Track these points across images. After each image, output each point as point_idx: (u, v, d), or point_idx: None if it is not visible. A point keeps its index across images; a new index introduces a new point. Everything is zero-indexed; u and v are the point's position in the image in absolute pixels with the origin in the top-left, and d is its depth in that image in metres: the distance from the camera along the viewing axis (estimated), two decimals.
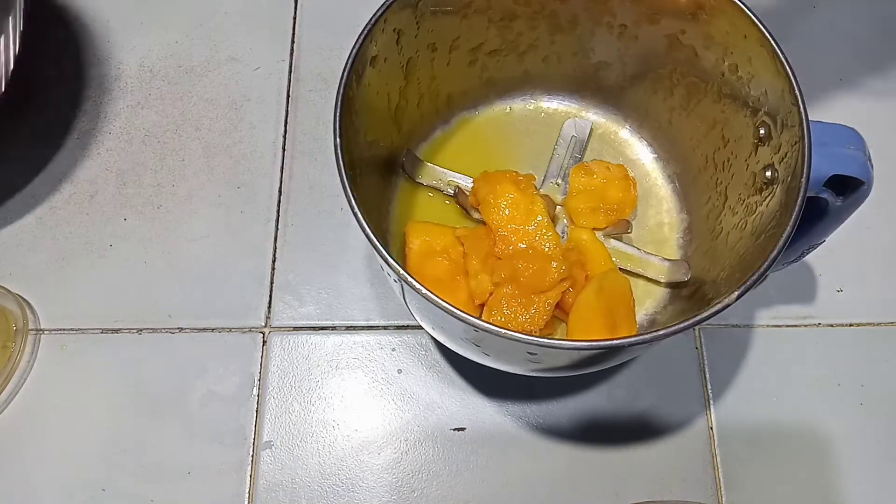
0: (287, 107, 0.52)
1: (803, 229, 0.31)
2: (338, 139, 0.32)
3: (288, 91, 0.52)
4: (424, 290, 0.29)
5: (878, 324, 0.46)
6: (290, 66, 0.53)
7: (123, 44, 0.54)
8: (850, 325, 0.46)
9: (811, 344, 0.45)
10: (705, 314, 0.29)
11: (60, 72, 0.53)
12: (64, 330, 0.45)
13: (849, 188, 0.33)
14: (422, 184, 0.44)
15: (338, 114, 0.32)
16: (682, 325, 0.29)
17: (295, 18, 0.55)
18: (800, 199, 0.31)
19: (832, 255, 0.47)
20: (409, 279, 0.29)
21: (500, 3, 0.40)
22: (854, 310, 0.46)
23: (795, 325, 0.46)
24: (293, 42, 0.54)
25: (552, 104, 0.46)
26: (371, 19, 0.34)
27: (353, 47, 0.34)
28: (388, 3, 0.34)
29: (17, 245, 0.48)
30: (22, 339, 0.44)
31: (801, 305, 0.46)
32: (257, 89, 0.53)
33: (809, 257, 0.47)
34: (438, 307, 0.29)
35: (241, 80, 0.53)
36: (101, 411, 0.44)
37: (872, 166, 0.32)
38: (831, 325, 0.46)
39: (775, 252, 0.30)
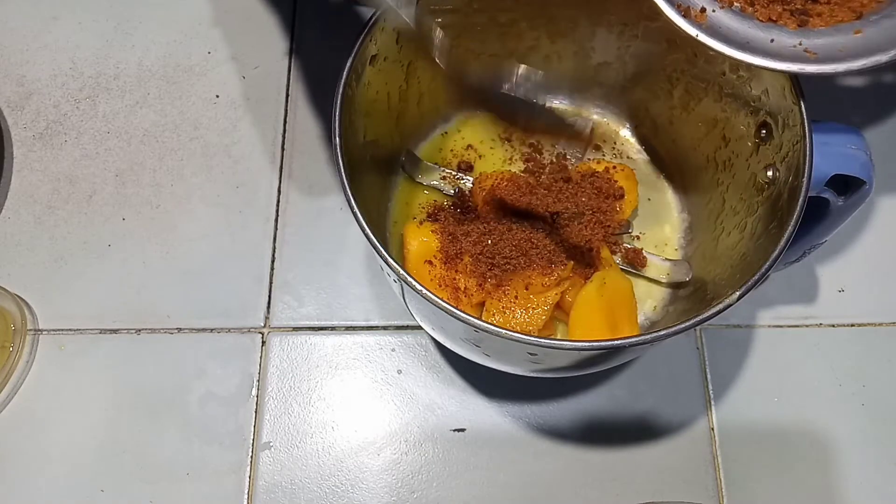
0: (286, 106, 0.52)
1: (805, 229, 0.31)
2: (337, 139, 0.32)
3: (287, 90, 0.52)
4: (425, 291, 0.29)
5: (880, 324, 0.46)
6: (290, 65, 0.53)
7: (122, 42, 0.54)
8: (852, 325, 0.46)
9: (812, 344, 0.45)
10: (707, 314, 0.29)
11: (59, 70, 0.53)
12: (62, 330, 0.45)
13: (850, 188, 0.33)
14: (421, 183, 0.43)
15: (337, 113, 0.32)
16: (683, 326, 0.29)
17: (294, 17, 0.55)
18: (801, 198, 0.31)
19: (834, 255, 0.47)
20: (410, 280, 0.29)
21: (500, 4, 0.39)
22: (855, 310, 0.46)
23: (797, 326, 0.46)
24: (292, 41, 0.54)
25: (553, 103, 0.46)
26: (371, 18, 0.34)
27: (353, 46, 0.34)
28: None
29: (15, 245, 0.48)
30: (20, 340, 0.44)
31: (803, 306, 0.46)
32: (257, 88, 0.52)
33: (811, 257, 0.46)
34: (440, 308, 0.29)
35: (241, 80, 0.53)
36: (99, 412, 0.43)
37: (874, 166, 0.32)
38: (832, 326, 0.46)
39: (777, 252, 0.30)
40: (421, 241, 0.40)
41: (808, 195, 0.31)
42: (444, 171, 0.43)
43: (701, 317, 0.29)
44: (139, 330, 0.45)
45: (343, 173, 0.31)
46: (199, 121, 0.51)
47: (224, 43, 0.54)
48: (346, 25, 0.54)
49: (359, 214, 0.31)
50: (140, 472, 0.42)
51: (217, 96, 0.52)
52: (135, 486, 0.42)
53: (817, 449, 0.43)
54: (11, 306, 0.45)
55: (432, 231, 0.41)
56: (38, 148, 0.51)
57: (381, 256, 0.30)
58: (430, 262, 0.40)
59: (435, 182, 0.43)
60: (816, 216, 0.35)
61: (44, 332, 0.45)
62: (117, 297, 0.46)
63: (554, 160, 0.44)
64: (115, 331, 0.45)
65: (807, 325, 0.46)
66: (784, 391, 0.44)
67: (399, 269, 0.29)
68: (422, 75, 0.41)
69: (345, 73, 0.33)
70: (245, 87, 0.53)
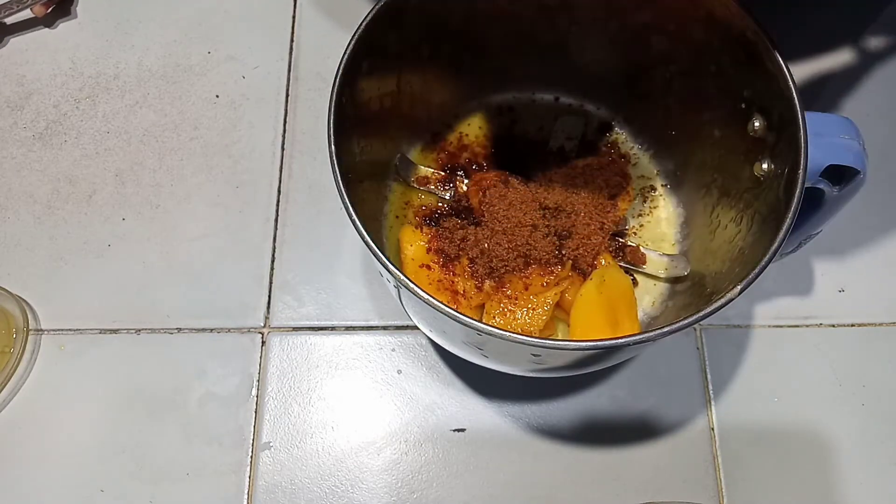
0: (286, 106, 0.52)
1: (800, 220, 0.31)
2: (332, 146, 0.32)
3: (287, 90, 0.52)
4: (426, 296, 0.29)
5: (880, 324, 0.46)
6: (290, 66, 0.53)
7: (122, 42, 0.54)
8: (852, 325, 0.46)
9: (812, 344, 0.45)
10: (710, 309, 0.29)
11: (59, 70, 0.53)
12: (62, 330, 0.45)
13: (844, 178, 0.33)
14: (416, 187, 0.43)
15: (332, 121, 0.32)
16: (688, 321, 0.29)
17: (294, 17, 0.55)
18: (798, 190, 0.30)
19: (834, 254, 0.47)
20: (411, 285, 0.29)
21: (496, 4, 0.39)
22: (856, 310, 0.46)
23: (797, 326, 0.45)
24: (292, 41, 0.54)
25: (548, 100, 0.46)
26: (363, 21, 0.34)
27: (345, 51, 0.33)
28: (379, 4, 0.34)
29: (15, 245, 0.48)
30: (22, 340, 0.44)
31: (803, 305, 0.46)
32: (256, 88, 0.52)
33: (811, 257, 0.46)
34: (441, 312, 0.28)
35: (240, 80, 0.53)
36: (99, 412, 0.43)
37: (867, 155, 0.32)
38: (833, 326, 0.46)
39: (776, 245, 0.30)
40: (418, 244, 0.40)
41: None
42: (438, 173, 0.43)
43: (705, 311, 0.29)
44: (139, 330, 0.45)
45: (339, 180, 0.31)
46: (199, 121, 0.51)
47: (224, 43, 0.54)
48: (345, 24, 0.54)
49: (357, 222, 0.30)
50: (140, 472, 0.42)
51: (217, 96, 0.52)
52: (135, 486, 0.42)
53: (817, 449, 0.43)
54: (14, 308, 0.45)
55: (429, 234, 0.41)
56: (38, 148, 0.51)
57: (380, 262, 0.30)
58: (428, 266, 0.40)
59: (430, 186, 0.43)
60: (811, 206, 0.35)
61: (45, 333, 0.45)
62: (117, 297, 0.46)
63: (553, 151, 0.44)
64: (115, 331, 0.45)
65: (807, 325, 0.46)
66: (784, 391, 0.44)
67: (400, 274, 0.29)
68: (415, 77, 0.41)
69: (337, 78, 0.33)
70: (245, 87, 0.53)
